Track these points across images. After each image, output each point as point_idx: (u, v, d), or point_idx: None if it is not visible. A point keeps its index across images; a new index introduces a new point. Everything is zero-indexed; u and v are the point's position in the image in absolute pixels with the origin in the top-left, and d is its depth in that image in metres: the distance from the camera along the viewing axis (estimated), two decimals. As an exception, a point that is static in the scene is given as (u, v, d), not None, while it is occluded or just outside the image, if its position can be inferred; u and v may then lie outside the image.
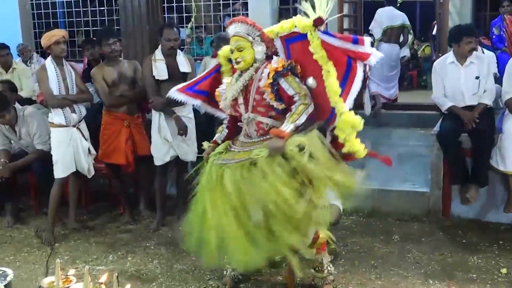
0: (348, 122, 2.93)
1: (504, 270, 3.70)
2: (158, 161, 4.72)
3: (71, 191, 4.75)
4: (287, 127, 2.98)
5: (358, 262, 3.88)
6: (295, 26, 3.07)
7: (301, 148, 2.89)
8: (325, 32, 3.04)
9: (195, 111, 5.03)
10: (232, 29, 3.13)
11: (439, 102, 4.68)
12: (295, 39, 3.12)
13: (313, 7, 2.99)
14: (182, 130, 4.55)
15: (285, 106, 3.09)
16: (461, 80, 4.54)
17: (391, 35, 7.67)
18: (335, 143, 3.02)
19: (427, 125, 5.20)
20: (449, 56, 4.64)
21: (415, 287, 3.54)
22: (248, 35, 3.09)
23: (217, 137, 3.40)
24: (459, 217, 4.64)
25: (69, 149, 4.51)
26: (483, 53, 4.63)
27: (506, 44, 5.99)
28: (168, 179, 5.01)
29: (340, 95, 2.98)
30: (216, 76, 3.50)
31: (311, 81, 3.07)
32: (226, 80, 3.34)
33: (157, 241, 4.46)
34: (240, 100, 3.19)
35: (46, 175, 4.65)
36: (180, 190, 4.97)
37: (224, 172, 3.06)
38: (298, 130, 3.01)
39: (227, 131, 3.39)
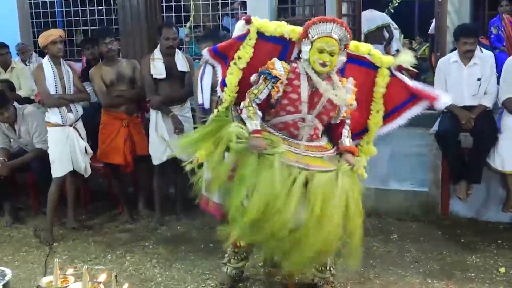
0: (370, 152, 3.40)
1: (502, 269, 3.71)
2: (156, 160, 4.72)
3: (68, 190, 4.75)
4: (350, 143, 3.19)
5: (357, 261, 3.88)
6: (369, 54, 3.22)
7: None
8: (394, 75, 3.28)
9: (193, 110, 5.04)
10: (331, 29, 2.97)
11: None
12: (359, 62, 3.19)
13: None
14: (178, 129, 4.55)
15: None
16: (462, 80, 4.53)
17: (373, 37, 7.85)
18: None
19: (426, 125, 5.19)
20: (453, 55, 4.64)
21: (414, 286, 3.54)
22: (341, 42, 3.00)
23: (255, 126, 3.03)
24: (458, 216, 4.65)
25: (65, 149, 4.51)
26: (482, 52, 4.62)
27: (504, 44, 6.00)
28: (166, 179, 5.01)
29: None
30: (238, 44, 3.21)
31: (354, 104, 3.16)
32: (284, 65, 3.05)
33: (155, 240, 4.45)
34: (305, 99, 3.07)
35: (45, 175, 4.64)
36: (178, 190, 4.97)
37: (300, 175, 2.94)
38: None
39: (259, 119, 3.10)
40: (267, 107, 3.14)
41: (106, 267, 3.90)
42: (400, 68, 3.23)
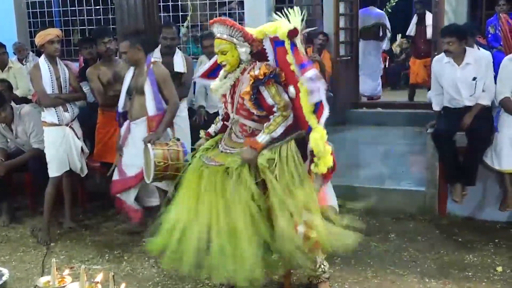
0: (320, 136, 2.83)
1: (499, 268, 3.71)
2: (153, 160, 4.71)
3: (65, 190, 4.74)
4: (262, 138, 2.97)
5: (355, 260, 3.88)
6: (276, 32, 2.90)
7: (271, 165, 2.91)
8: (292, 46, 2.86)
9: (190, 109, 5.04)
10: (215, 31, 3.07)
11: (430, 100, 4.81)
12: (281, 43, 2.93)
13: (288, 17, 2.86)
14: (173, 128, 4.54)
15: (265, 113, 3.04)
16: (457, 81, 4.48)
17: (368, 34, 8.02)
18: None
19: (423, 124, 5.21)
20: (445, 55, 4.55)
21: (411, 285, 3.54)
22: (231, 36, 3.00)
23: (212, 128, 3.39)
24: (455, 215, 4.66)
25: (62, 148, 4.51)
26: (479, 49, 4.61)
27: (501, 43, 6.01)
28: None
29: (315, 111, 2.87)
30: None
31: (292, 89, 2.98)
32: (220, 74, 3.24)
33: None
34: (228, 99, 3.19)
35: (42, 174, 4.63)
36: (175, 189, 4.96)
37: (203, 172, 3.08)
38: (275, 140, 2.98)
39: (221, 123, 3.35)
40: None
41: (103, 267, 3.87)
42: (293, 34, 2.81)
